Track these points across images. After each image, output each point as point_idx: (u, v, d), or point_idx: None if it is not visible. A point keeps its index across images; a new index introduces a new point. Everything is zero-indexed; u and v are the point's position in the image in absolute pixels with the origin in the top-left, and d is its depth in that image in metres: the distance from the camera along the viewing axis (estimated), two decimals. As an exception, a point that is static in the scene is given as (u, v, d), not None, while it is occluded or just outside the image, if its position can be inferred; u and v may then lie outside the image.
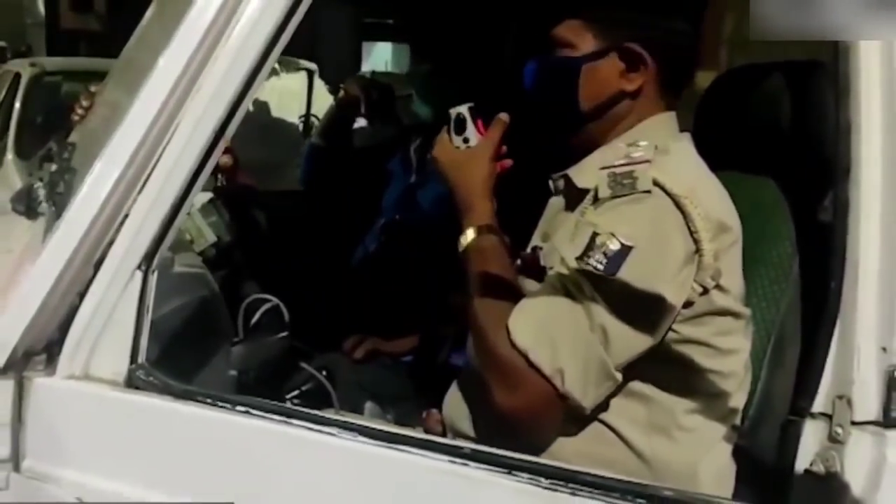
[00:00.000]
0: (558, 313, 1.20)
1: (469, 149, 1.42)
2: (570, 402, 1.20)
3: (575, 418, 1.25)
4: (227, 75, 1.13)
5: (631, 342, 1.21)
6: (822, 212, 1.35)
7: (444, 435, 1.43)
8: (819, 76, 1.37)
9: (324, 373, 1.71)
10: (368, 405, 1.84)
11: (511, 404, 1.22)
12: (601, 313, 1.19)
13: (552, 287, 1.23)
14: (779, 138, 1.45)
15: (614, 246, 1.18)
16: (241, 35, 1.13)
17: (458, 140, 1.44)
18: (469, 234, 1.35)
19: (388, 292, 2.18)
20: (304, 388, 1.68)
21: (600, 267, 1.18)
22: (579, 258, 1.20)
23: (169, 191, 1.13)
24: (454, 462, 1.07)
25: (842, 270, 1.13)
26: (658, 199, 1.20)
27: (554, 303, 1.21)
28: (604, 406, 1.27)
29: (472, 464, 1.06)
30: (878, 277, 1.11)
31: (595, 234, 1.19)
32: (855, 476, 1.08)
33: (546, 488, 1.05)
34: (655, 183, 1.21)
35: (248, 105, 1.15)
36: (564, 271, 1.22)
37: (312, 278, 2.25)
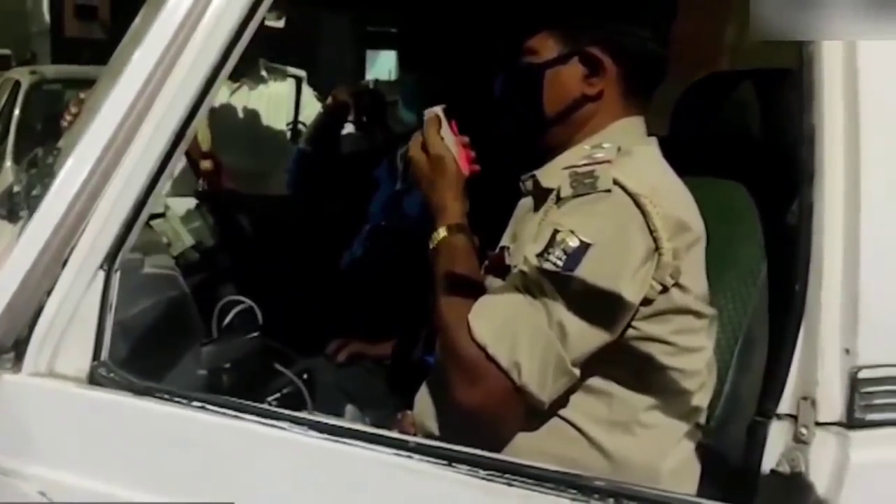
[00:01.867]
0: (517, 309, 1.22)
1: (440, 151, 1.44)
2: (528, 396, 1.22)
3: (535, 414, 1.27)
4: (186, 79, 1.15)
5: (588, 338, 1.22)
6: (789, 216, 1.36)
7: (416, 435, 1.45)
8: (787, 84, 1.38)
9: (305, 376, 1.72)
10: (349, 408, 1.85)
11: (471, 399, 1.24)
12: (559, 309, 1.20)
13: (513, 284, 1.25)
14: (749, 144, 1.47)
15: (573, 243, 1.20)
16: (198, 41, 1.15)
17: None
18: (440, 233, 1.38)
19: (373, 296, 2.20)
20: (284, 392, 1.69)
21: (559, 263, 1.20)
22: (539, 255, 1.22)
23: (130, 192, 1.15)
24: (399, 455, 1.09)
25: (806, 273, 1.14)
26: (618, 197, 1.22)
27: (514, 299, 1.23)
28: (564, 402, 1.28)
29: (416, 456, 1.09)
30: (841, 280, 1.13)
31: (556, 232, 1.22)
32: (819, 476, 1.09)
33: (483, 479, 1.07)
34: (615, 182, 1.23)
35: (208, 107, 1.17)
36: (525, 269, 1.24)
37: (297, 282, 2.26)
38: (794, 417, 1.12)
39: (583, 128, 1.40)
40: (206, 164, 2.25)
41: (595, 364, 1.26)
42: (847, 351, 1.12)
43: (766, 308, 1.36)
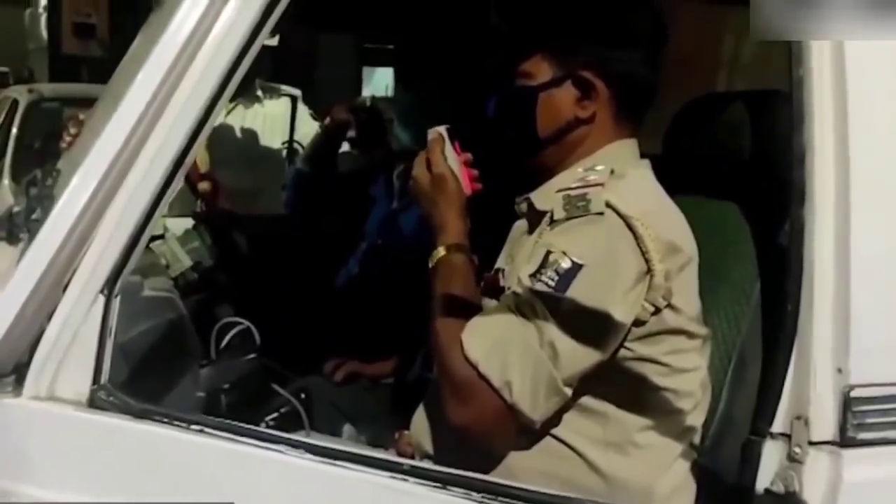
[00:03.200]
0: (509, 329, 1.24)
1: (443, 171, 1.45)
2: (519, 415, 1.23)
3: (528, 433, 1.28)
4: (187, 104, 1.16)
5: (579, 357, 1.24)
6: (781, 235, 1.37)
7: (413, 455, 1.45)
8: (778, 105, 1.39)
9: (302, 396, 1.72)
10: (346, 428, 1.86)
11: (463, 417, 1.25)
12: (550, 329, 1.22)
13: (506, 304, 1.27)
14: (741, 164, 1.48)
15: (566, 264, 1.22)
16: (200, 66, 1.17)
17: None
18: (439, 252, 1.40)
19: (369, 316, 2.20)
20: (281, 411, 1.69)
21: (551, 284, 1.22)
22: (532, 276, 1.24)
23: (131, 217, 1.16)
24: (395, 478, 1.10)
25: (798, 292, 1.15)
26: (610, 220, 1.24)
27: (506, 319, 1.25)
28: (559, 422, 1.29)
29: (410, 479, 1.10)
30: (833, 299, 1.14)
31: (549, 253, 1.23)
32: (813, 495, 1.10)
33: (477, 502, 1.08)
34: (608, 205, 1.24)
35: (208, 132, 1.18)
36: (519, 289, 1.25)
37: (294, 302, 2.26)
38: (787, 436, 1.13)
39: (576, 150, 1.42)
40: (204, 186, 2.26)
41: (589, 384, 1.27)
42: (839, 370, 1.12)
43: (759, 327, 1.37)
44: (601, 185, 1.27)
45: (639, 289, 1.24)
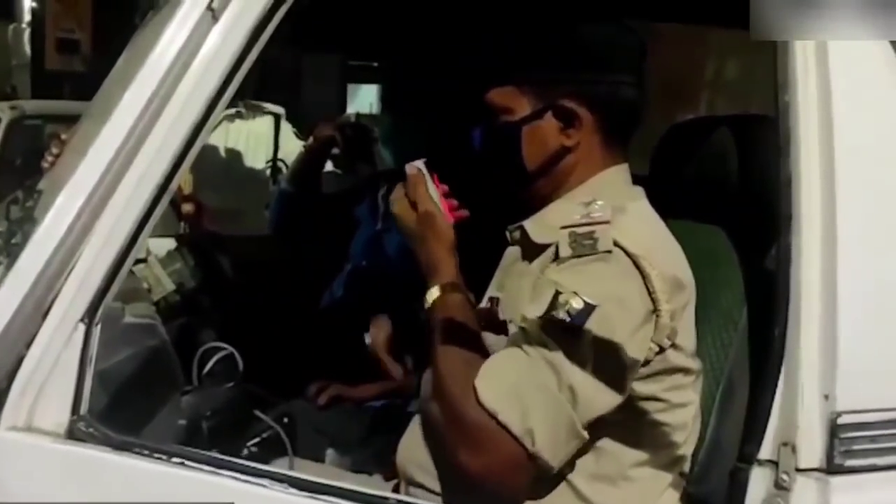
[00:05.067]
0: (525, 373, 1.20)
1: (429, 208, 1.42)
2: (540, 463, 1.19)
3: (544, 478, 1.24)
4: (172, 127, 1.16)
5: (598, 400, 1.21)
6: (768, 261, 1.37)
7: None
8: (765, 129, 1.39)
9: (285, 420, 1.70)
10: (329, 452, 1.84)
11: (478, 465, 1.20)
12: (568, 372, 1.18)
13: (517, 347, 1.23)
14: (728, 189, 1.48)
15: (578, 304, 1.18)
16: (186, 88, 1.16)
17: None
18: (434, 293, 1.35)
19: (353, 338, 2.19)
20: (264, 436, 1.68)
21: (565, 324, 1.18)
22: (543, 317, 1.20)
23: (113, 244, 1.15)
24: None
25: (785, 318, 1.15)
26: (618, 258, 1.22)
27: (520, 362, 1.21)
28: None
29: None
30: (820, 325, 1.14)
31: (558, 293, 1.20)
32: (801, 523, 1.09)
33: None
34: (616, 243, 1.22)
35: (194, 155, 1.17)
36: (529, 329, 1.22)
37: (278, 324, 2.25)
38: (774, 463, 1.13)
39: (567, 179, 1.40)
40: (187, 208, 2.25)
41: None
42: (826, 396, 1.13)
43: (746, 353, 1.37)
44: (608, 222, 1.24)
45: (647, 329, 1.23)
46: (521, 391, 1.19)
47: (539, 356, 1.20)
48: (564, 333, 1.19)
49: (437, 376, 1.28)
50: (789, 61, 1.17)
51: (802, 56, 1.16)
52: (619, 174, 1.42)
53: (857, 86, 1.18)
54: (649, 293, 1.22)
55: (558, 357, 1.19)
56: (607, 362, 1.20)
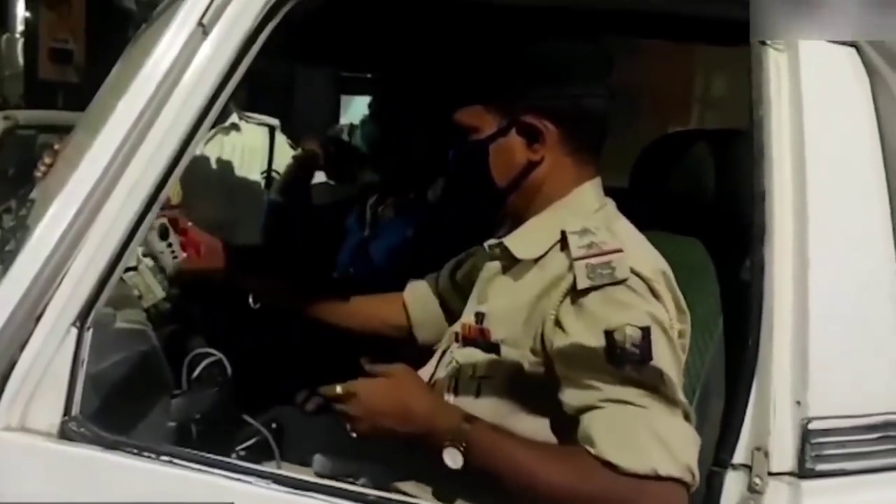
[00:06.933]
0: (639, 419, 1.20)
1: (394, 382, 1.36)
2: (693, 484, 1.19)
3: None
4: (164, 137, 1.19)
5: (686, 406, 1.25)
6: (743, 271, 1.40)
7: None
8: (739, 144, 1.42)
9: (273, 425, 1.72)
10: (317, 458, 1.85)
11: None
12: (670, 390, 1.21)
13: (610, 402, 1.22)
14: (705, 201, 1.51)
15: (635, 333, 1.21)
16: (178, 99, 1.19)
17: (161, 245, 1.68)
18: (463, 433, 1.25)
19: (340, 345, 2.20)
20: (252, 441, 1.69)
21: (635, 358, 1.21)
22: (611, 360, 1.21)
23: (105, 250, 1.17)
24: None
25: (758, 327, 1.18)
26: (636, 284, 1.25)
27: (628, 414, 1.20)
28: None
29: None
30: (792, 334, 1.17)
31: (609, 332, 1.21)
32: (773, 525, 1.11)
33: None
34: (633, 271, 1.25)
35: (184, 165, 1.20)
36: (605, 386, 1.22)
37: (266, 331, 2.26)
38: (748, 467, 1.16)
39: (540, 192, 1.42)
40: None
41: (574, 429, 1.26)
42: (798, 402, 1.16)
43: (722, 360, 1.40)
44: (621, 250, 1.27)
45: (676, 344, 1.28)
46: (648, 437, 1.18)
47: (636, 395, 1.20)
48: (641, 364, 1.21)
49: (539, 487, 1.21)
50: (763, 77, 1.19)
51: (776, 71, 1.19)
52: (593, 187, 1.44)
53: (828, 101, 1.21)
54: (667, 313, 1.27)
55: (648, 385, 1.20)
56: (677, 372, 1.25)
